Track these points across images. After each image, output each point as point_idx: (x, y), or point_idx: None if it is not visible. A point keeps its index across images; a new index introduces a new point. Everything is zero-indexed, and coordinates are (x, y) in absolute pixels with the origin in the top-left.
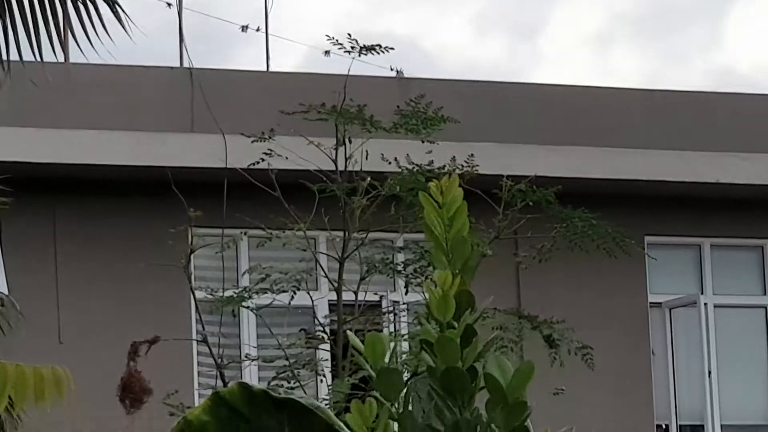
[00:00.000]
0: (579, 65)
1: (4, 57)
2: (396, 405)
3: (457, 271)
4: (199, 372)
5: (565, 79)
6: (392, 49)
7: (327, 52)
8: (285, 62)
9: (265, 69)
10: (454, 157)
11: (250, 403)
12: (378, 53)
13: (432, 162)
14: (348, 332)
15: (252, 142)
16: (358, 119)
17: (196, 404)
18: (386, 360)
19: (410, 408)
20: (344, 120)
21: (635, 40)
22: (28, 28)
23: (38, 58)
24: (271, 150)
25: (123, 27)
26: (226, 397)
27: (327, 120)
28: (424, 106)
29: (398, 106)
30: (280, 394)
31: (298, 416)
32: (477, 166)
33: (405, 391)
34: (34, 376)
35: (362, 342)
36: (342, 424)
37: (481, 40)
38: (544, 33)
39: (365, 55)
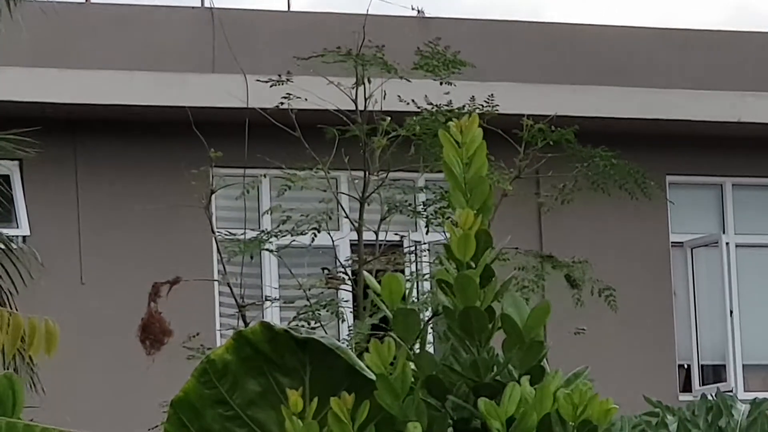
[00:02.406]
0: (589, 3)
1: None
2: (414, 345)
3: (476, 211)
4: (220, 313)
5: (579, 15)
6: None
7: None
8: (301, 2)
9: (285, 9)
10: (473, 96)
11: (273, 342)
12: None
13: (451, 102)
14: (364, 273)
15: (270, 86)
16: (375, 62)
17: (218, 346)
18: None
19: (433, 346)
20: (362, 63)
21: None
22: None
23: None
24: (290, 93)
25: None
26: (249, 336)
27: (345, 62)
28: (443, 48)
29: (418, 48)
30: (301, 333)
31: (319, 356)
32: (497, 106)
33: (425, 330)
34: (29, 327)
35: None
36: (363, 365)
37: None
38: None
39: None
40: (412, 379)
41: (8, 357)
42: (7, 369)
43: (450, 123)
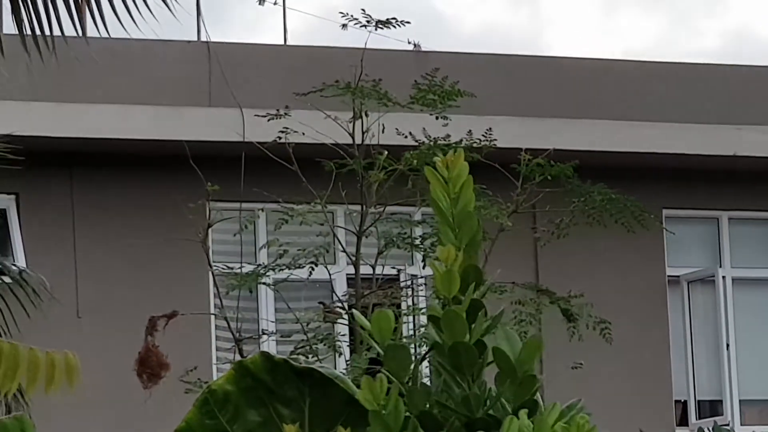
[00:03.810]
0: (584, 29)
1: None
2: (406, 380)
3: (463, 246)
4: (217, 347)
5: (572, 45)
6: (408, 23)
7: (344, 26)
8: (296, 30)
9: (282, 42)
10: (470, 131)
11: (273, 372)
12: (394, 27)
13: (449, 136)
14: (354, 311)
15: (268, 120)
16: (373, 96)
17: (215, 379)
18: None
19: (430, 380)
20: (360, 96)
21: (642, 2)
22: (47, 3)
23: (79, 33)
24: (287, 128)
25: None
26: (249, 366)
27: (343, 95)
28: (440, 80)
29: (416, 81)
30: (301, 363)
31: (319, 386)
32: (495, 140)
33: (419, 364)
34: (47, 362)
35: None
36: None
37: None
38: None
39: (382, 29)
40: (407, 414)
41: (28, 395)
42: None
43: (436, 158)
